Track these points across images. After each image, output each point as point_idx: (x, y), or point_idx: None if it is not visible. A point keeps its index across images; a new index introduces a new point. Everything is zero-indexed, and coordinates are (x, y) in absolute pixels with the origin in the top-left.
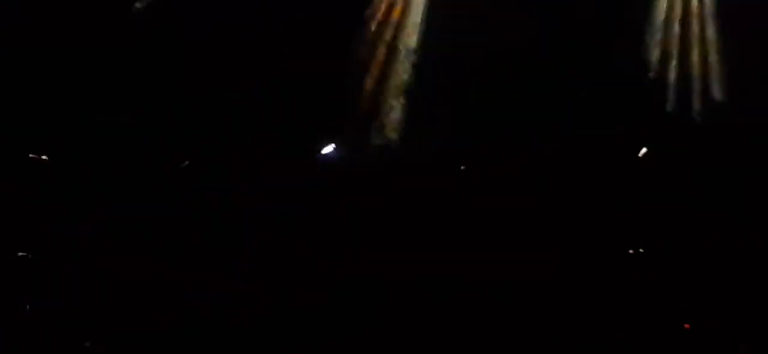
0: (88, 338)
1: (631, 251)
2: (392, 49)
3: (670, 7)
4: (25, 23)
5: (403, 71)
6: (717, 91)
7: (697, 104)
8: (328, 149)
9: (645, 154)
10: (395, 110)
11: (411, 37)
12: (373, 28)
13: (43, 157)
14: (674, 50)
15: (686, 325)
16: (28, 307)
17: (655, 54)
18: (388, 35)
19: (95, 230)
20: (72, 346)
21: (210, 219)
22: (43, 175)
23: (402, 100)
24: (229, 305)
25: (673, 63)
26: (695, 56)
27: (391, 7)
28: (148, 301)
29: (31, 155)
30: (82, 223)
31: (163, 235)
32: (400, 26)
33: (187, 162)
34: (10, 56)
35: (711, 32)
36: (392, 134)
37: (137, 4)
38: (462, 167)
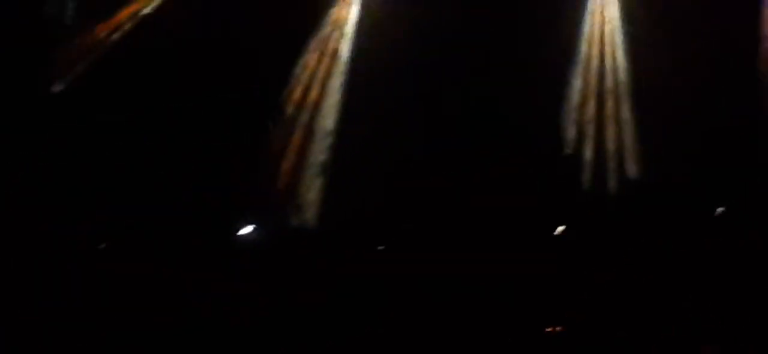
0: (88, 338)
1: (630, 251)
2: (309, 130)
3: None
4: (25, 23)
5: (320, 152)
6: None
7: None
8: (247, 230)
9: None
10: (312, 191)
11: (328, 119)
12: (290, 110)
13: None
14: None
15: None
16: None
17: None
18: (305, 117)
19: (95, 230)
20: (72, 346)
21: (210, 219)
22: (43, 175)
23: (320, 180)
24: (229, 305)
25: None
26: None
27: (308, 90)
28: (148, 301)
29: None
30: (82, 223)
31: (163, 235)
32: (317, 108)
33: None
34: (10, 56)
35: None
36: (310, 215)
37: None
38: (380, 247)
